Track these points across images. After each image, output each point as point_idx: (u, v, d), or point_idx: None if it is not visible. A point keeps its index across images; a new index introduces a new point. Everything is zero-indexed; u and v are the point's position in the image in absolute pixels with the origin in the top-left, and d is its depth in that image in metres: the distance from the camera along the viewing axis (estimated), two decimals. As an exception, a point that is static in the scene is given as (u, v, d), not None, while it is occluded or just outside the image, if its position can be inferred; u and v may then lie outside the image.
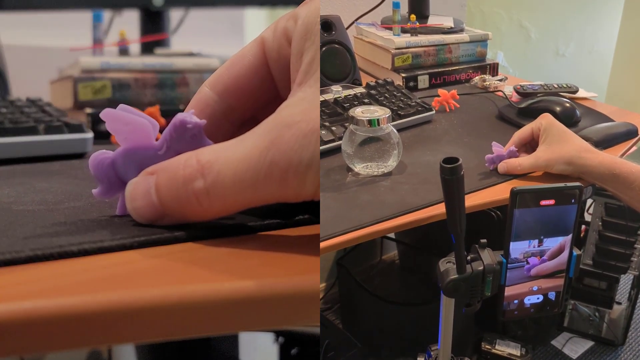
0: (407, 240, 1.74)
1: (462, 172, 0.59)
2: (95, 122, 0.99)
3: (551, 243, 0.66)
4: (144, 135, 0.57)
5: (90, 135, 0.88)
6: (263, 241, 0.53)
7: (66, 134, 0.87)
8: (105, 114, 0.58)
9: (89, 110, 1.02)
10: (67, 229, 0.54)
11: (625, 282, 1.78)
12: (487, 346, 1.48)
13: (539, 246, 0.66)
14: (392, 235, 1.78)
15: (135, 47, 1.23)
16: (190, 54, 1.14)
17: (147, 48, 1.22)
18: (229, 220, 0.55)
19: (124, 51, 1.17)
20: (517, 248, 0.65)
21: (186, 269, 0.47)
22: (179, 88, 1.09)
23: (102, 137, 0.83)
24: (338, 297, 1.74)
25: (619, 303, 1.72)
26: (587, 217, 1.58)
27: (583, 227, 1.58)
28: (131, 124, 0.57)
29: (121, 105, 0.59)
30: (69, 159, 0.86)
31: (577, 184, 0.64)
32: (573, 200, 0.64)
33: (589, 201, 1.56)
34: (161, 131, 0.58)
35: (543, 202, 0.63)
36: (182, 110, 0.56)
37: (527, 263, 0.66)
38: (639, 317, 1.83)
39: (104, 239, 0.50)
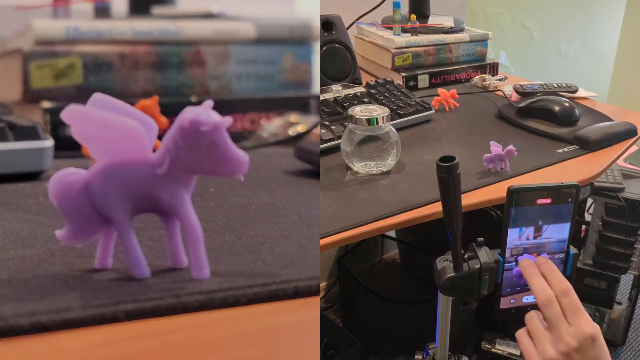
0: (408, 239, 1.74)
1: (458, 171, 0.60)
2: (58, 123, 0.70)
3: (551, 233, 0.65)
4: (133, 143, 0.40)
5: (49, 143, 0.63)
6: (262, 323, 0.39)
7: (11, 141, 0.60)
8: (70, 113, 0.40)
9: (47, 104, 0.73)
10: (12, 291, 0.38)
11: (626, 282, 1.79)
12: (487, 345, 1.48)
13: (534, 238, 0.64)
14: (392, 234, 1.78)
15: (120, 3, 0.86)
16: (208, 15, 0.81)
17: (140, 5, 0.85)
18: (225, 289, 0.40)
19: (102, 11, 0.81)
20: (513, 239, 0.64)
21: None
22: (189, 69, 0.77)
23: (69, 146, 0.57)
24: (338, 295, 1.75)
25: (619, 303, 1.72)
26: (587, 217, 1.59)
27: (583, 227, 1.59)
28: (113, 127, 0.40)
29: (97, 97, 0.42)
30: (16, 182, 0.61)
31: (574, 182, 0.65)
32: (570, 199, 0.64)
33: (589, 201, 1.57)
34: (161, 137, 0.42)
35: (540, 201, 0.63)
36: (194, 103, 0.43)
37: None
38: (639, 317, 1.83)
39: (72, 307, 0.35)
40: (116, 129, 0.40)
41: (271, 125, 0.82)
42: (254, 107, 0.81)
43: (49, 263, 0.43)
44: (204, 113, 0.39)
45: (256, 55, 0.82)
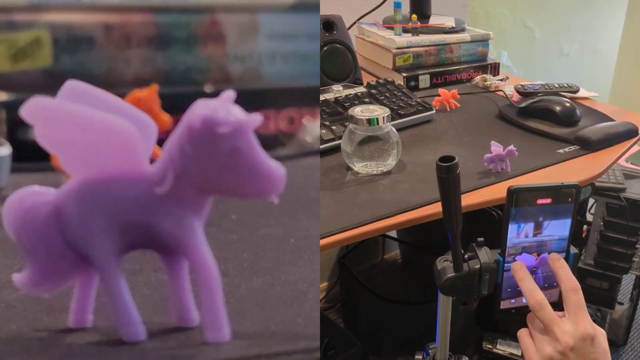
0: (409, 239, 1.74)
1: (458, 171, 0.60)
2: (17, 123, 0.45)
3: (552, 231, 0.65)
4: (122, 151, 0.28)
5: (4, 151, 0.48)
6: None
7: None
8: (34, 109, 0.29)
9: (1, 95, 0.57)
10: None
11: (627, 282, 1.79)
12: (488, 345, 1.48)
13: (534, 235, 0.64)
14: (394, 234, 1.78)
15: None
16: None
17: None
18: (252, 357, 0.29)
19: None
20: (512, 236, 0.64)
21: None
22: (202, 46, 0.57)
23: (32, 155, 0.41)
24: (339, 296, 1.75)
25: (621, 303, 1.72)
26: (589, 217, 1.58)
27: (585, 227, 1.58)
28: (94, 129, 0.28)
29: (72, 86, 0.31)
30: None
31: (574, 182, 0.64)
32: (570, 199, 0.64)
33: (591, 201, 1.56)
34: (162, 142, 0.30)
35: (540, 201, 0.63)
36: (208, 95, 0.30)
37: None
38: (641, 318, 1.83)
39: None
40: (99, 131, 0.28)
41: (316, 126, 0.62)
42: (292, 101, 0.62)
43: (4, 320, 0.31)
44: (223, 109, 0.28)
45: (295, 27, 0.62)
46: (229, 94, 0.29)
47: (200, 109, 0.29)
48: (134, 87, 0.47)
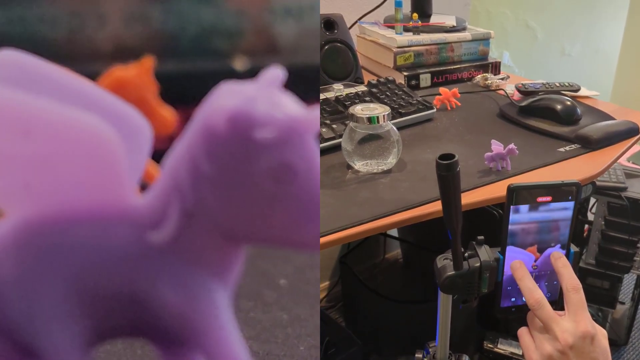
0: (410, 238, 1.74)
1: (458, 169, 0.60)
2: None
3: (551, 228, 0.65)
4: (95, 169, 0.19)
5: None
6: None
7: None
8: None
9: None
10: None
11: (629, 281, 1.79)
12: (489, 345, 1.48)
13: (533, 233, 0.64)
14: (395, 233, 1.78)
15: None
16: None
17: None
18: None
19: None
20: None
21: None
22: None
23: None
24: (341, 295, 1.75)
25: (622, 303, 1.72)
26: (590, 217, 1.58)
27: (586, 226, 1.58)
28: (45, 130, 0.19)
29: (9, 59, 0.21)
30: None
31: (575, 180, 0.65)
32: (570, 197, 0.64)
33: (592, 200, 1.56)
34: (159, 157, 0.20)
35: (540, 199, 0.63)
36: (239, 76, 0.19)
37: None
38: (643, 317, 1.82)
39: None
40: (52, 137, 0.18)
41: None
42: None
43: None
44: (264, 99, 0.19)
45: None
46: (275, 74, 0.19)
47: (226, 100, 0.18)
48: (114, 62, 0.30)
